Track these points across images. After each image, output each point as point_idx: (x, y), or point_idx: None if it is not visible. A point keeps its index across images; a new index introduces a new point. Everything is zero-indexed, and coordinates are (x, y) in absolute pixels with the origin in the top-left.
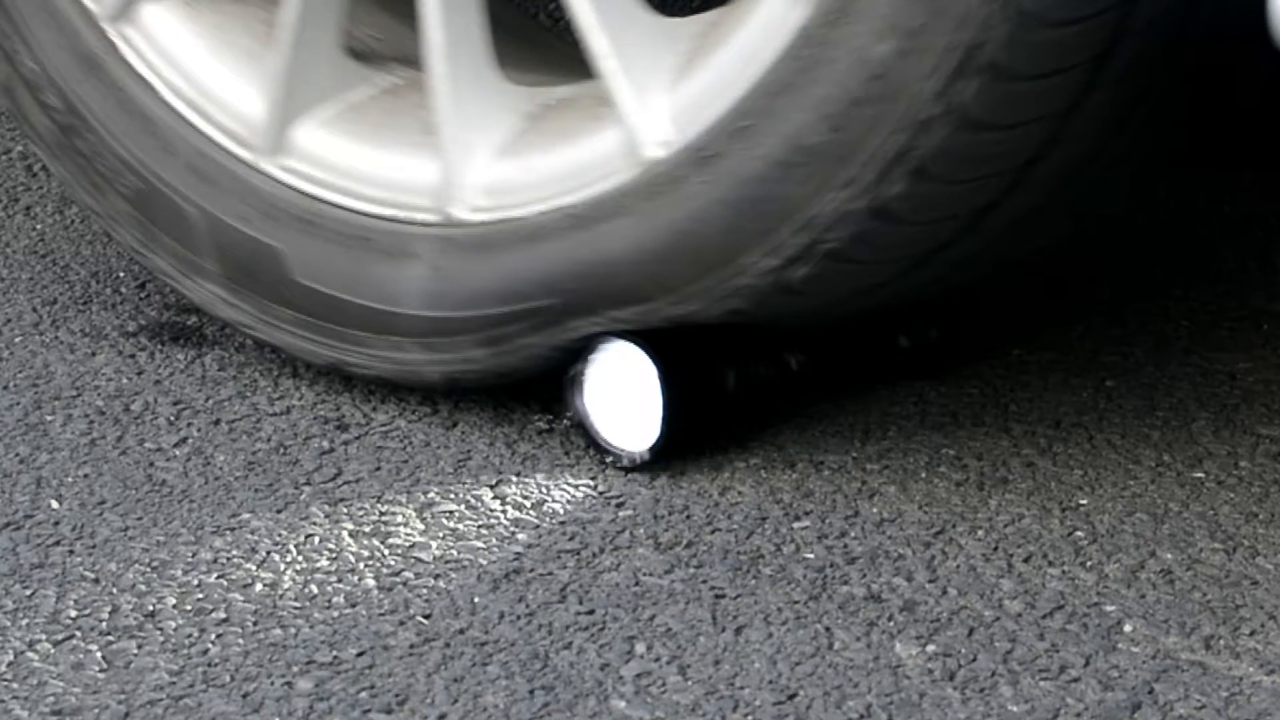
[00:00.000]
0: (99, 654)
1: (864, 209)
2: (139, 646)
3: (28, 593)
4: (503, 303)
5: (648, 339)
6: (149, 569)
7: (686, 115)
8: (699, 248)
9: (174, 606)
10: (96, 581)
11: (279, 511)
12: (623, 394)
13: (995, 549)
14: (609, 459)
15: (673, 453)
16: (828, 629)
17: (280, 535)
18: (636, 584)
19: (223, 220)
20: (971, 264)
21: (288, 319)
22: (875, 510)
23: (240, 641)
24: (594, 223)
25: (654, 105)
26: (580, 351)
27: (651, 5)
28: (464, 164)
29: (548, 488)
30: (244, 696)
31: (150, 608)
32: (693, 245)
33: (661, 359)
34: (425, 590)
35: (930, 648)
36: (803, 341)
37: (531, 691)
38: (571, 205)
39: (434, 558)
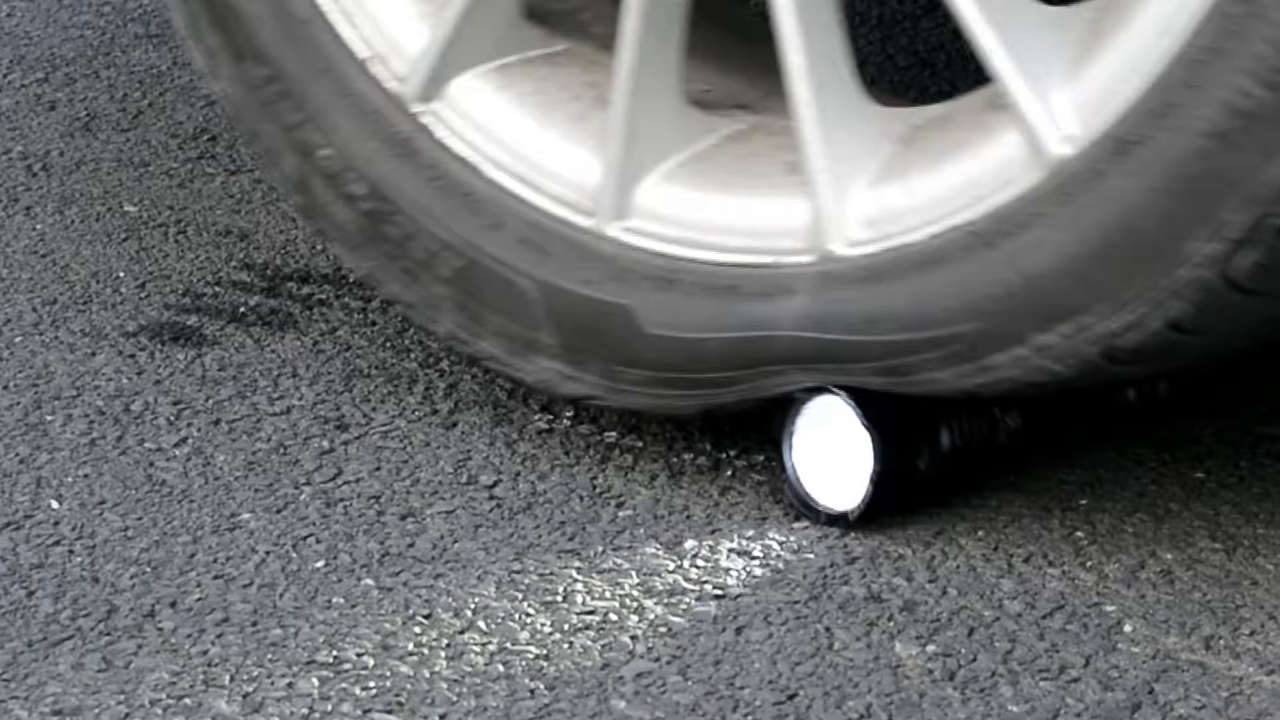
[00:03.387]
0: (99, 654)
1: None
2: (139, 646)
3: (27, 593)
4: (906, 329)
5: (858, 392)
6: (148, 569)
7: (1092, 104)
8: (1132, 243)
9: (173, 606)
10: (96, 581)
11: (278, 511)
12: (831, 450)
13: (995, 549)
14: (812, 515)
15: (881, 514)
16: (828, 629)
17: (279, 535)
18: (637, 583)
19: (562, 288)
20: None
21: (638, 379)
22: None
23: (240, 641)
24: (1001, 237)
25: (1054, 99)
26: (789, 405)
27: None
28: (838, 197)
29: (547, 488)
30: (244, 697)
31: (149, 608)
32: (1124, 242)
33: (871, 413)
34: (425, 590)
35: (930, 648)
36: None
37: (532, 691)
38: (969, 222)
39: (433, 558)
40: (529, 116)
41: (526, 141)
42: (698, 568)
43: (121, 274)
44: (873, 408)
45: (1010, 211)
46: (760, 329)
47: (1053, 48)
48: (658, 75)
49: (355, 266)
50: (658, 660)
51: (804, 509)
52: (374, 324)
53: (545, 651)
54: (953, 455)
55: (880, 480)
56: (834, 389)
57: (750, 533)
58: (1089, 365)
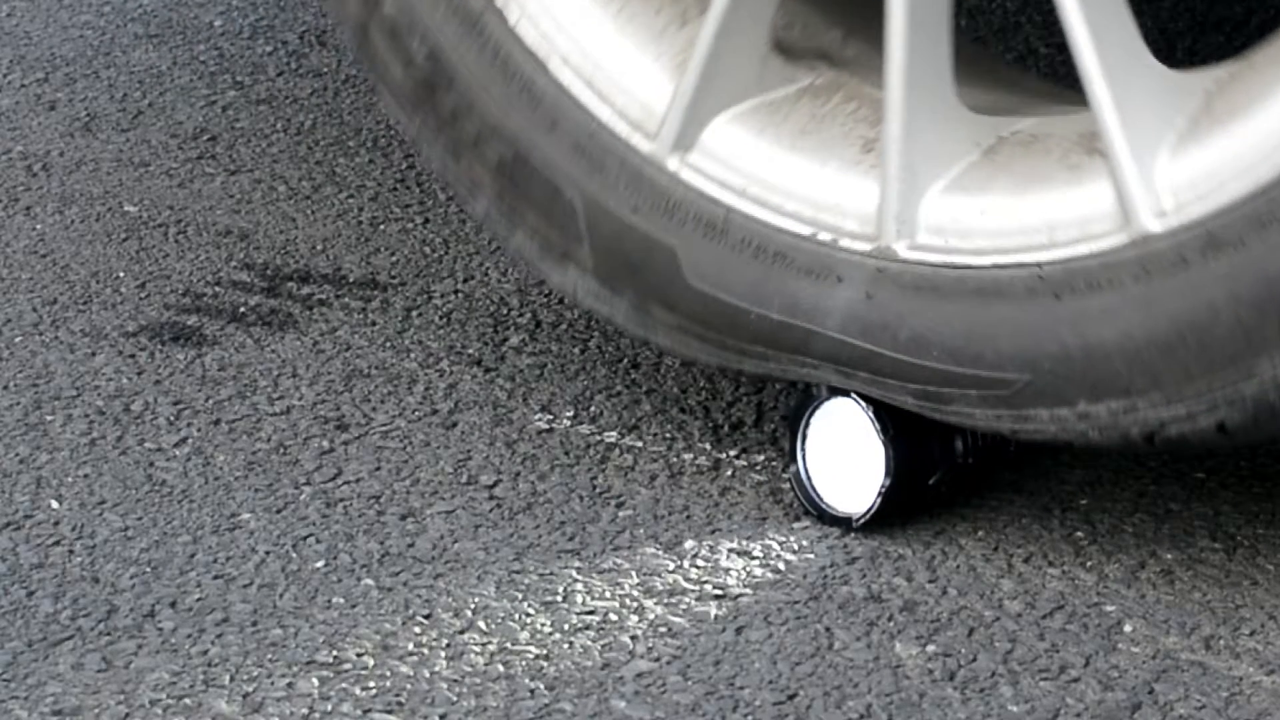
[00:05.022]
0: (99, 654)
1: None
2: (139, 646)
3: (27, 593)
4: (953, 361)
5: (879, 399)
6: (148, 569)
7: (1193, 188)
8: (1202, 344)
9: (173, 606)
10: (96, 582)
11: (278, 512)
12: (844, 451)
13: (995, 549)
14: (824, 516)
15: (895, 517)
16: (828, 629)
17: (279, 535)
18: (637, 583)
19: (608, 209)
20: None
21: (669, 324)
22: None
23: (240, 641)
24: (1070, 293)
25: (1154, 169)
26: (805, 404)
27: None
28: (909, 196)
29: (546, 488)
30: (244, 697)
31: (149, 608)
32: (1194, 340)
33: (889, 426)
34: (425, 590)
35: (930, 648)
36: None
37: (532, 691)
38: (1038, 265)
39: (433, 558)
40: (606, 19)
41: (599, 46)
42: (698, 568)
43: (121, 274)
44: (892, 420)
45: (1084, 269)
46: (804, 320)
47: (1164, 118)
48: (752, 16)
49: (400, 124)
50: (658, 660)
51: (808, 505)
52: (374, 324)
53: (545, 651)
54: (965, 470)
55: (890, 492)
56: (856, 395)
57: (750, 533)
58: (1125, 441)
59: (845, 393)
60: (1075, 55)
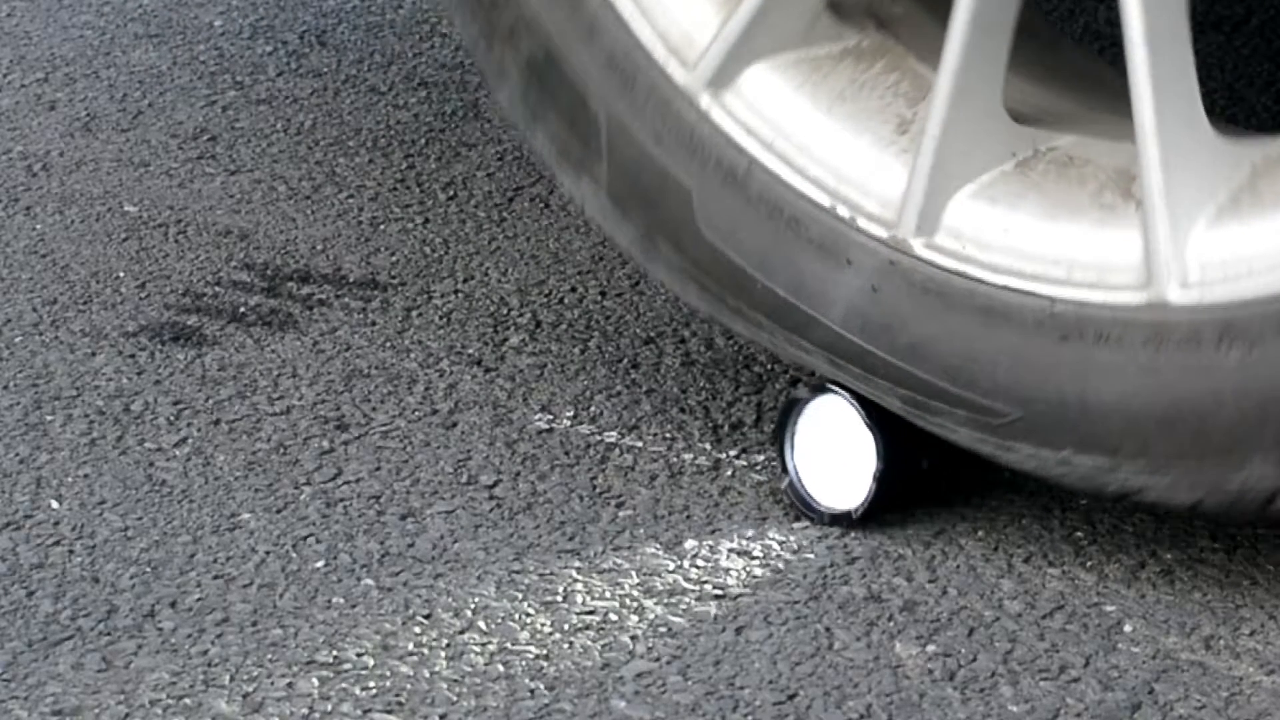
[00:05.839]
0: (99, 654)
1: None
2: (139, 646)
3: (27, 593)
4: (947, 378)
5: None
6: (148, 569)
7: (1222, 268)
8: (1198, 428)
9: (173, 606)
10: (96, 581)
11: (278, 512)
12: (834, 449)
13: (995, 549)
14: (824, 518)
15: (894, 512)
16: (828, 629)
17: (279, 535)
18: (637, 583)
19: (631, 134)
20: None
21: (674, 264)
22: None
23: (240, 641)
24: (1077, 337)
25: (1188, 238)
26: (788, 412)
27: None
28: (935, 195)
29: (546, 488)
30: (244, 697)
31: (149, 608)
32: (1192, 423)
33: (875, 412)
34: (425, 590)
35: (930, 648)
36: None
37: (532, 691)
38: (1051, 299)
39: (433, 558)
40: None
41: None
42: (698, 568)
43: (121, 274)
44: (876, 406)
45: (1096, 317)
46: (808, 305)
47: (1207, 188)
48: None
49: None
50: (658, 660)
51: (806, 511)
52: (374, 324)
53: (545, 651)
54: (958, 451)
55: (884, 477)
56: (836, 388)
57: (750, 533)
58: (1099, 494)
59: (827, 390)
60: (1134, 107)
